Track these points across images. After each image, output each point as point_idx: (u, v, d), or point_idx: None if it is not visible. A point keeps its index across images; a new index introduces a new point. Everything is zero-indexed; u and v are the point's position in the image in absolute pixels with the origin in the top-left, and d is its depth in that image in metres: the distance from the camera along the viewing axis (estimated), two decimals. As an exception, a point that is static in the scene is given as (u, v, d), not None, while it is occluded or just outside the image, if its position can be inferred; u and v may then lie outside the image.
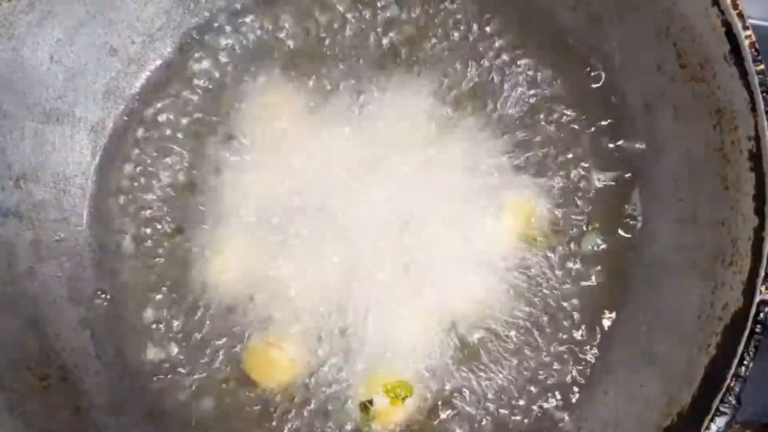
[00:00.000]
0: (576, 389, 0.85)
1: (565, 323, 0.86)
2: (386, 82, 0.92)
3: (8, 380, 0.77)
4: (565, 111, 0.90)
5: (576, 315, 0.86)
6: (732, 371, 0.63)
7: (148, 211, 0.91)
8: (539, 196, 0.88)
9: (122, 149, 0.93)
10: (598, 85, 0.90)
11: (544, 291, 0.87)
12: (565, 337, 0.86)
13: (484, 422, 0.84)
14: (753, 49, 0.66)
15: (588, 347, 0.86)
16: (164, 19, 0.95)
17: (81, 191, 0.92)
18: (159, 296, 0.89)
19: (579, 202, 0.89)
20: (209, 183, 0.91)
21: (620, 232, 0.88)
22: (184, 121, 0.93)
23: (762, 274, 0.64)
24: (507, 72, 0.92)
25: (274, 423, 0.85)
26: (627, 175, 0.88)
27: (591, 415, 0.83)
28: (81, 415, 0.83)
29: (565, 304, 0.86)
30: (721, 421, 0.62)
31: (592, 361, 0.85)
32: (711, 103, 0.73)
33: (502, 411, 0.84)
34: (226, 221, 0.90)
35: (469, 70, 0.92)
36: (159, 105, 0.94)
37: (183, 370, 0.87)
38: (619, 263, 0.87)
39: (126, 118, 0.94)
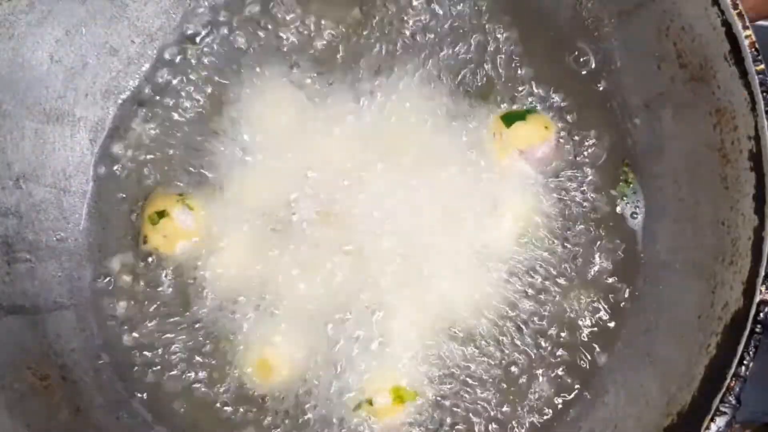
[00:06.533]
0: (576, 389, 0.85)
1: (566, 323, 0.86)
2: (387, 80, 0.92)
3: (8, 380, 0.77)
4: (565, 111, 0.90)
5: (576, 315, 0.86)
6: (732, 371, 0.63)
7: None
8: (540, 196, 0.88)
9: (122, 149, 0.93)
10: (598, 85, 0.90)
11: (545, 290, 0.87)
12: (565, 337, 0.86)
13: (483, 422, 0.84)
14: (753, 49, 0.66)
15: (588, 347, 0.86)
16: (164, 19, 0.94)
17: (81, 191, 0.92)
18: (158, 295, 0.89)
19: (579, 202, 0.88)
20: (209, 182, 0.91)
21: (620, 231, 0.88)
22: (185, 120, 0.93)
23: (762, 274, 0.64)
24: (507, 71, 0.92)
25: (272, 422, 0.85)
26: (627, 176, 0.88)
27: (591, 414, 0.83)
28: (81, 415, 0.83)
29: (565, 304, 0.86)
30: (721, 421, 0.62)
31: (592, 360, 0.85)
32: (711, 103, 0.73)
33: (502, 410, 0.84)
34: (225, 221, 0.89)
35: (469, 68, 0.92)
36: (159, 104, 0.94)
37: (181, 370, 0.87)
38: (619, 263, 0.87)
39: (126, 118, 0.94)
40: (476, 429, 0.84)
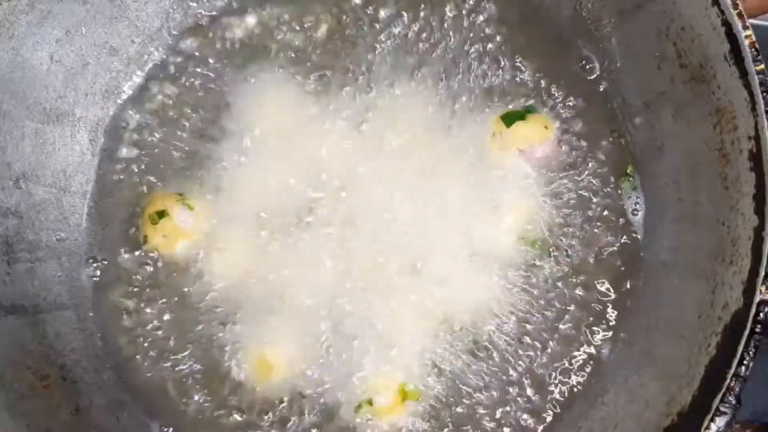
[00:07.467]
0: (576, 389, 0.85)
1: (566, 323, 0.86)
2: (388, 81, 0.92)
3: (8, 380, 0.77)
4: (565, 111, 0.90)
5: (576, 315, 0.86)
6: (732, 371, 0.63)
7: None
8: (540, 195, 0.88)
9: (122, 149, 0.93)
10: (598, 85, 0.90)
11: (545, 291, 0.87)
12: (565, 336, 0.86)
13: (483, 421, 0.84)
14: (753, 49, 0.66)
15: (588, 347, 0.86)
16: (164, 18, 0.95)
17: (81, 191, 0.92)
18: (158, 295, 0.89)
19: (579, 202, 0.88)
20: (210, 182, 0.91)
21: (620, 232, 0.88)
22: (185, 121, 0.93)
23: (762, 274, 0.64)
24: (507, 71, 0.91)
25: (272, 422, 0.85)
26: (627, 175, 0.88)
27: (591, 414, 0.83)
28: (81, 415, 0.83)
29: (565, 304, 0.86)
30: (721, 421, 0.62)
31: (592, 360, 0.85)
32: (711, 103, 0.73)
33: (502, 410, 0.84)
34: (226, 221, 0.90)
35: (470, 69, 0.92)
36: (159, 105, 0.94)
37: (181, 369, 0.87)
38: (619, 263, 0.87)
39: (126, 118, 0.94)
40: (476, 428, 0.84)
